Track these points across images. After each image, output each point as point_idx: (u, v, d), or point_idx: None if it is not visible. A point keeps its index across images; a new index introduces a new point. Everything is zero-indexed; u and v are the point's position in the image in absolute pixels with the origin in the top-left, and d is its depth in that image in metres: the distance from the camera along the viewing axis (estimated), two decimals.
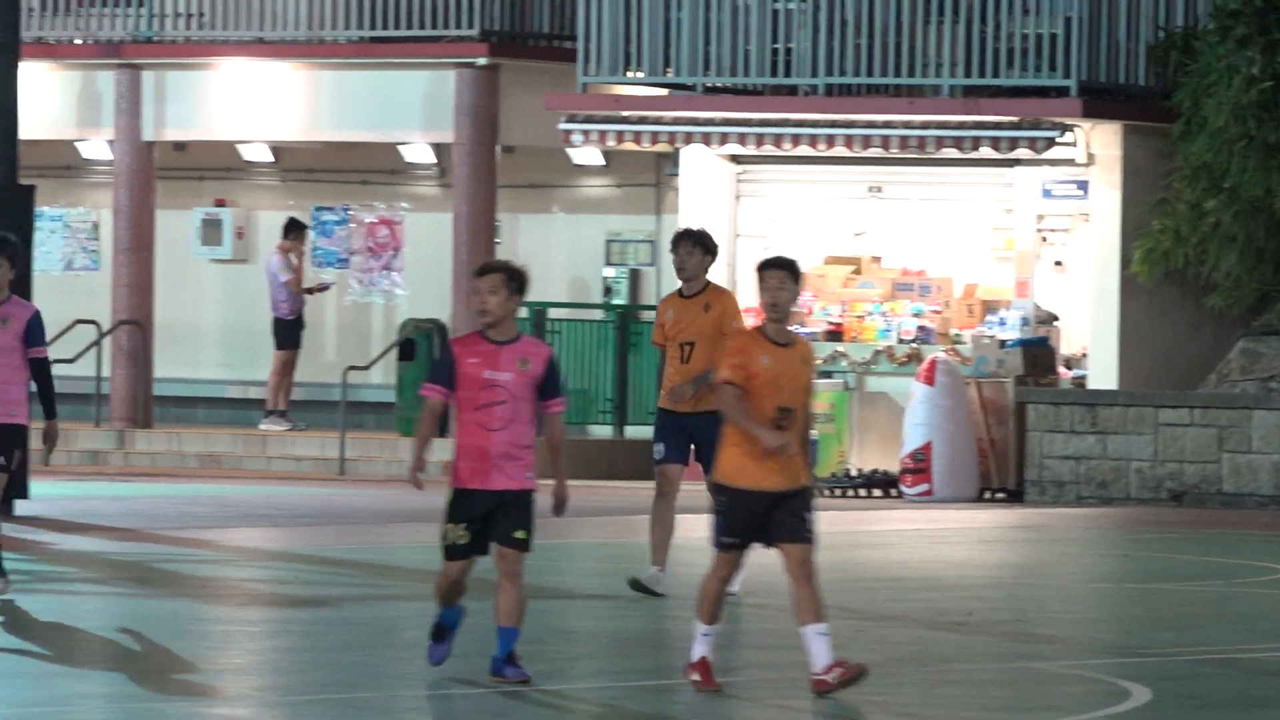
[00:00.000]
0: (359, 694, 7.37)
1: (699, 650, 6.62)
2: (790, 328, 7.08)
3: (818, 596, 6.41)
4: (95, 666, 8.42)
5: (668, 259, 18.24)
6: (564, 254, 23.57)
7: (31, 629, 9.85)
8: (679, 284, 11.07)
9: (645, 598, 10.56)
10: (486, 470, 6.75)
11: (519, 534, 6.69)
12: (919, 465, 18.99)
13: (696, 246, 11.19)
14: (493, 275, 6.72)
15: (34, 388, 10.75)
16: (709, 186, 21.10)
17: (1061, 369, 19.97)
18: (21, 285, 15.82)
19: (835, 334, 20.44)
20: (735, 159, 20.99)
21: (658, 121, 21.13)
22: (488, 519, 6.73)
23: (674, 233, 11.77)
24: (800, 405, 6.61)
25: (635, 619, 10.27)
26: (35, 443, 14.24)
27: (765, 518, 6.38)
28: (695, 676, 6.31)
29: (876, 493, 19.68)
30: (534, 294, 8.95)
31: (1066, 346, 20.39)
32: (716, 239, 21.03)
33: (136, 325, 23.04)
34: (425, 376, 7.37)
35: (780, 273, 6.65)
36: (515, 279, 6.66)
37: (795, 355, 6.49)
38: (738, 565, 6.58)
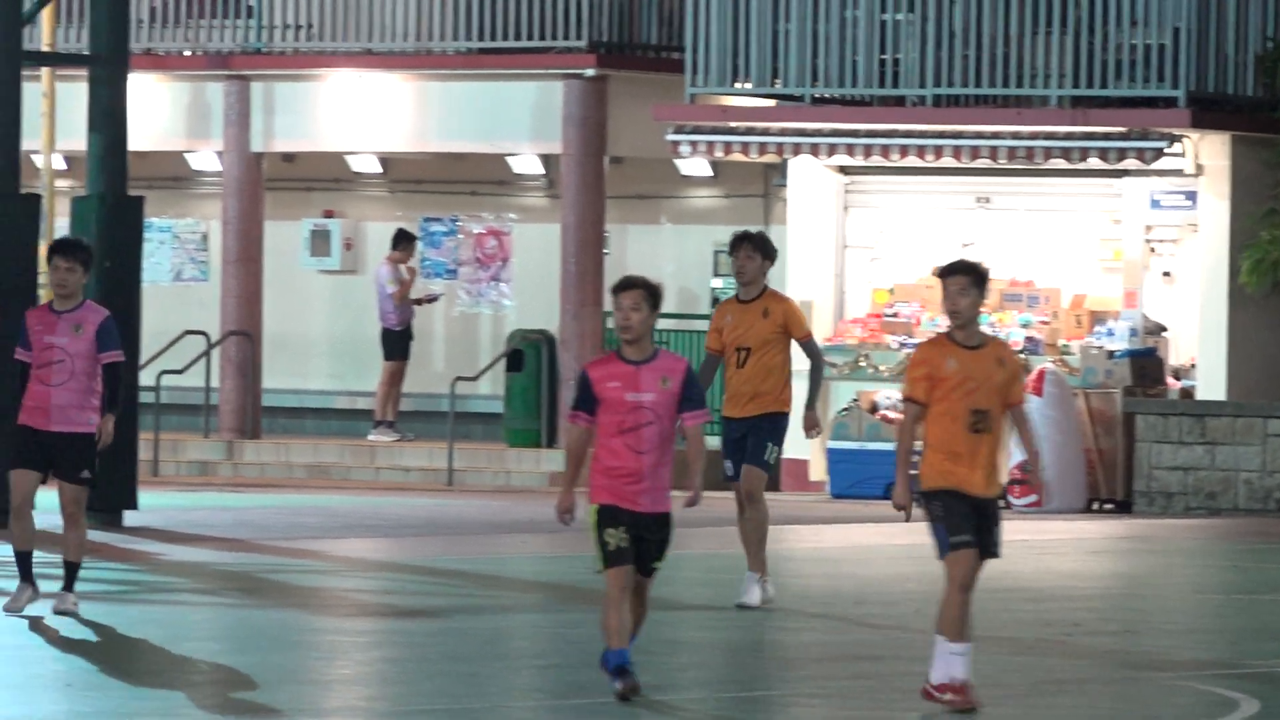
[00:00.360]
0: (466, 704, 8.33)
1: (953, 671, 7.11)
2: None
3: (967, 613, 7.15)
4: (203, 677, 9.73)
5: (776, 268, 20.87)
6: (672, 265, 26.04)
7: (140, 640, 11.35)
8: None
9: (752, 609, 11.88)
10: (635, 493, 7.39)
11: (656, 565, 7.55)
12: (1027, 476, 20.76)
13: (756, 250, 12.38)
14: (634, 291, 7.41)
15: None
16: (817, 197, 23.58)
17: (1170, 379, 21.97)
18: (131, 295, 18.83)
19: None
20: (843, 170, 23.45)
21: (765, 132, 23.70)
22: (636, 541, 7.37)
23: (732, 236, 12.82)
24: (996, 407, 7.22)
25: (740, 629, 11.56)
26: (145, 453, 17.10)
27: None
28: (948, 697, 6.81)
29: None
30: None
31: (1175, 357, 22.41)
32: (824, 250, 23.97)
33: (245, 336, 25.95)
34: (571, 404, 7.89)
35: (960, 278, 7.28)
36: (654, 295, 7.36)
37: (988, 357, 7.13)
38: (976, 567, 7.05)
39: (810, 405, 13.23)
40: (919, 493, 7.14)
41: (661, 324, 25.47)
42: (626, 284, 7.50)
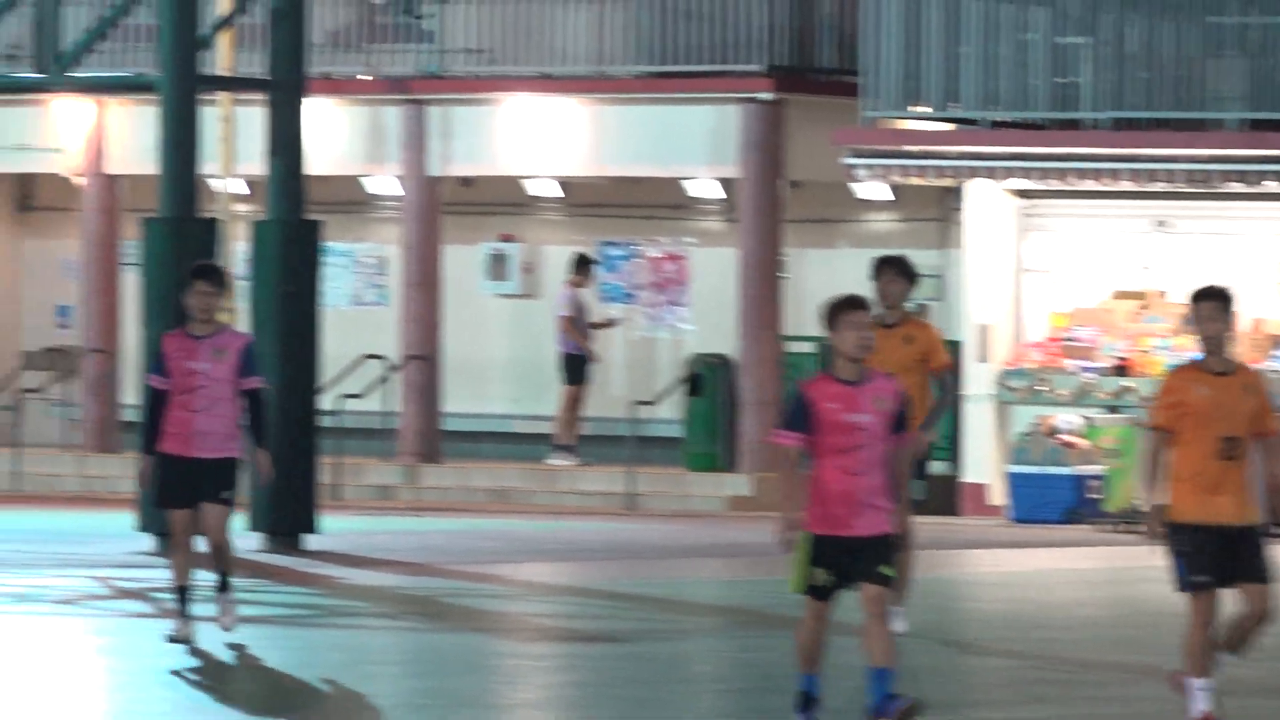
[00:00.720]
0: None
1: (1197, 707, 7.92)
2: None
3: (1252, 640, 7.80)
4: (387, 700, 11.17)
5: (954, 292, 23.89)
6: (851, 289, 29.27)
7: (323, 663, 13.14)
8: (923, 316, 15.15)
9: (924, 633, 13.07)
10: (851, 516, 8.02)
11: (886, 570, 8.11)
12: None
13: (900, 275, 13.59)
14: (1212, 303, 8.11)
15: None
16: (994, 221, 26.81)
17: None
18: (310, 319, 22.77)
19: (1122, 369, 25.52)
20: (1020, 193, 26.59)
21: (942, 156, 26.86)
22: (852, 560, 8.01)
23: (875, 260, 14.02)
24: (1246, 434, 7.79)
25: (921, 654, 12.12)
26: (325, 477, 20.17)
27: (1225, 554, 7.51)
28: None
29: None
30: (821, 329, 12.16)
31: None
32: (1002, 273, 27.68)
33: (425, 360, 29.54)
34: (779, 423, 8.54)
35: (1212, 303, 7.93)
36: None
37: (1236, 383, 7.72)
38: (1214, 609, 7.65)
39: (924, 428, 13.90)
40: (1167, 524, 7.79)
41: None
42: (852, 304, 8.09)
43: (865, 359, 8.11)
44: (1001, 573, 22.42)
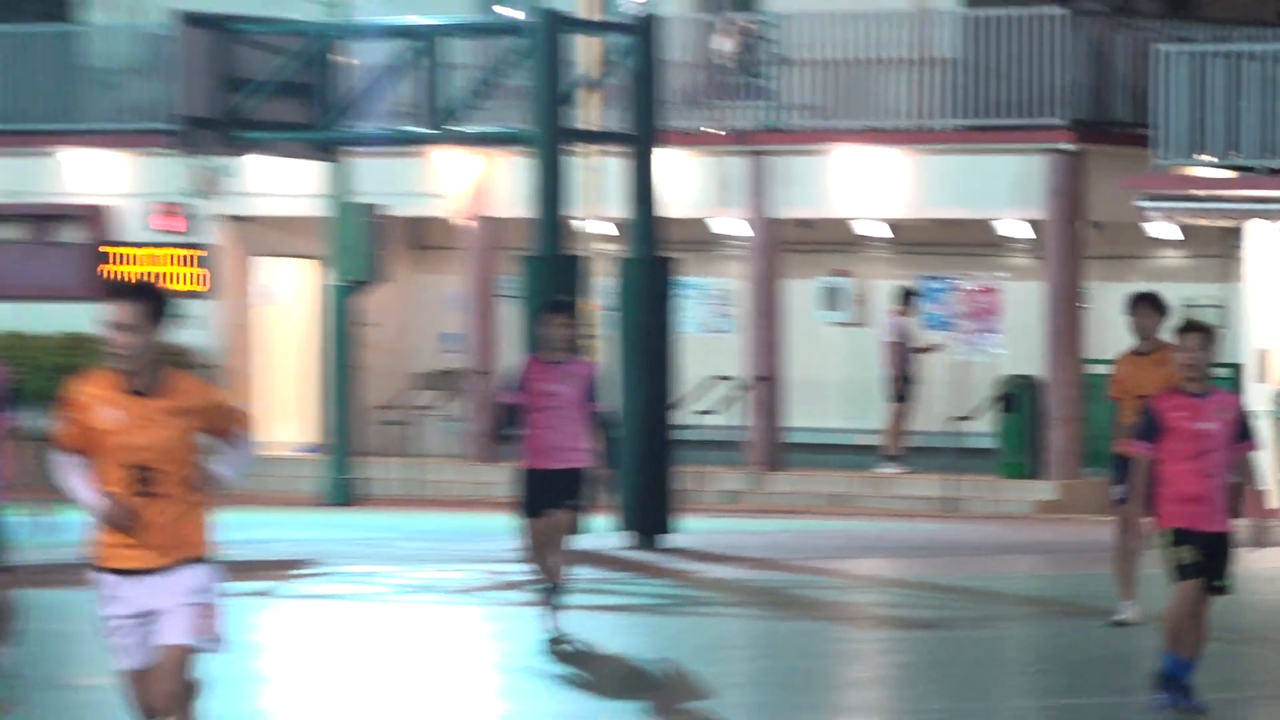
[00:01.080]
0: (966, 705, 12.25)
1: None
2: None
3: None
4: (734, 680, 13.64)
5: (1238, 322, 30.70)
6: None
7: (678, 647, 16.34)
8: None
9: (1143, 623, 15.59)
10: (1206, 514, 9.95)
11: (1222, 584, 10.09)
12: None
13: (1154, 309, 17.31)
14: (1195, 335, 10.46)
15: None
16: (1271, 256, 33.19)
17: None
18: (664, 345, 28.52)
19: None
20: None
21: (1225, 200, 33.18)
22: (1208, 557, 9.95)
23: (1131, 296, 17.92)
24: None
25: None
26: (682, 484, 25.89)
27: None
28: None
29: None
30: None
31: None
32: (1278, 303, 34.71)
33: (769, 380, 36.35)
34: (1131, 434, 11.37)
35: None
36: (1209, 337, 10.47)
37: None
38: None
39: None
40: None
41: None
42: (1188, 326, 10.67)
43: (1193, 375, 10.50)
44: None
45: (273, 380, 42.90)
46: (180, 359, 37.56)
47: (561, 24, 31.21)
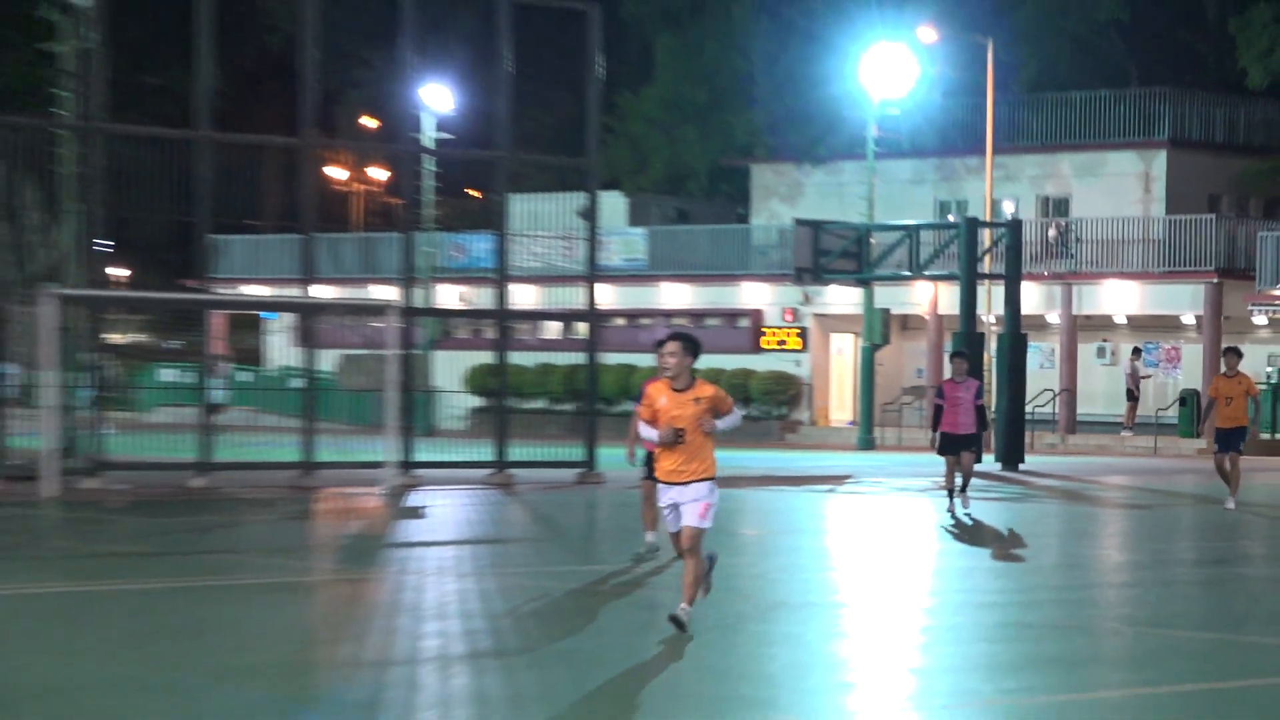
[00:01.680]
0: (1161, 546, 27.06)
1: None
2: None
3: None
4: (1053, 531, 30.05)
5: None
6: None
7: (1025, 520, 31.76)
8: None
9: None
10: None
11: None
12: None
13: (1235, 355, 30.08)
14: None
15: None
16: None
17: None
18: (1018, 374, 52.31)
19: None
20: None
21: None
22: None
23: (1225, 348, 31.82)
24: None
25: None
26: None
27: None
28: None
29: None
30: None
31: None
32: None
33: (1069, 391, 62.52)
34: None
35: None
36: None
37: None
38: None
39: None
40: None
41: None
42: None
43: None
44: None
45: (835, 389, 70.42)
46: (789, 382, 66.84)
47: (975, 224, 53.12)
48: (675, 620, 14.50)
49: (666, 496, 14.77)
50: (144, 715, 11.26)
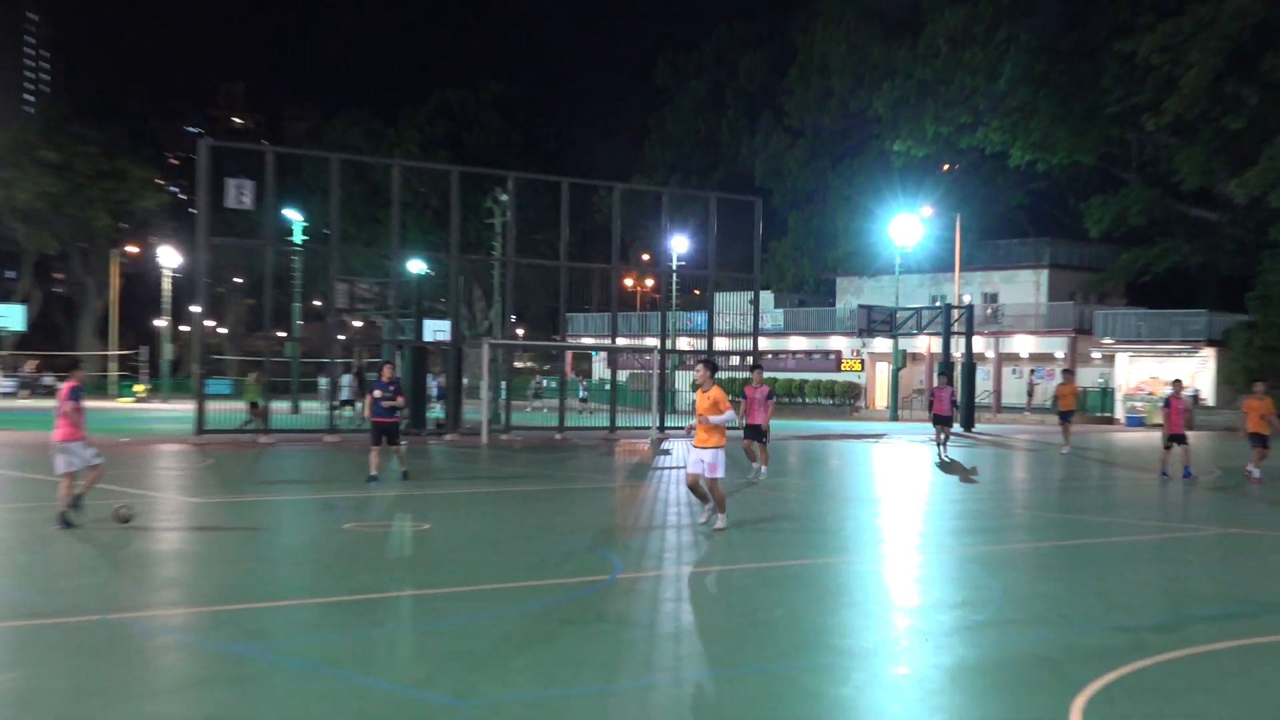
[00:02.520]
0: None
1: None
2: None
3: None
4: None
5: None
6: None
7: None
8: None
9: None
10: None
11: None
12: None
13: None
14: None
15: None
16: None
17: None
18: None
19: None
20: None
21: None
22: None
23: None
24: None
25: None
26: None
27: None
28: None
29: None
30: None
31: None
32: None
33: None
34: None
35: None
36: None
37: None
38: None
39: None
40: None
41: None
42: None
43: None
44: None
45: (877, 391, 73.73)
46: (854, 387, 74.69)
47: (949, 307, 56.40)
48: (717, 529, 17.22)
49: (692, 455, 17.44)
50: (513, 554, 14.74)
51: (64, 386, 17.24)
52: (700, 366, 16.95)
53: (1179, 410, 28.13)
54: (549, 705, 8.66)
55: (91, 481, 17.34)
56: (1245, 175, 58.50)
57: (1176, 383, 29.45)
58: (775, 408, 29.57)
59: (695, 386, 18.20)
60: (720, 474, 17.07)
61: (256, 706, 8.54)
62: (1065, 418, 38.78)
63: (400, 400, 23.99)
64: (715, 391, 16.82)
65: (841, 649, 10.63)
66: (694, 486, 17.30)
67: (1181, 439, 28.09)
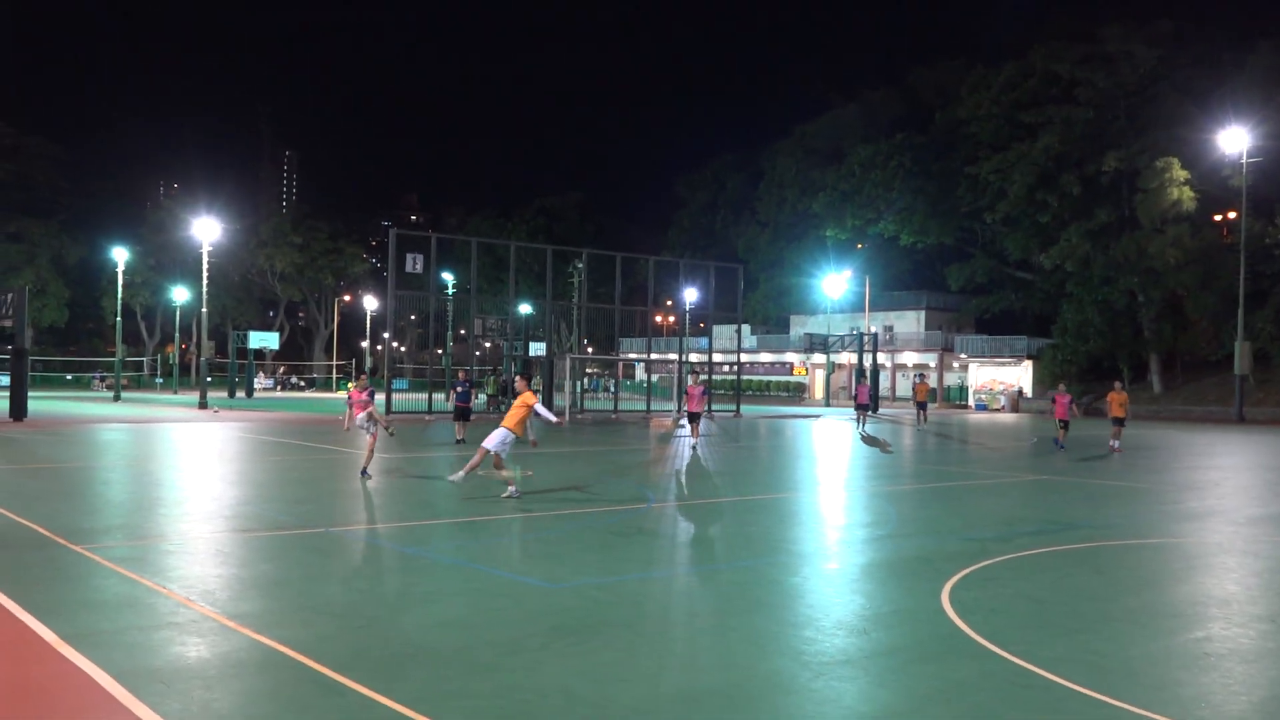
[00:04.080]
0: None
1: None
2: None
3: None
4: None
5: None
6: None
7: None
8: None
9: None
10: None
11: None
12: None
13: None
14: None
15: None
16: None
17: None
18: None
19: None
20: None
21: None
22: None
23: None
24: None
25: None
26: None
27: None
28: None
29: None
30: None
31: None
32: None
33: None
34: None
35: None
36: None
37: None
38: None
39: None
40: None
41: None
42: None
43: None
44: None
45: (818, 388, 73.96)
46: (802, 386, 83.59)
47: (860, 335, 56.48)
48: (452, 481, 14.54)
49: (493, 435, 13.89)
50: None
51: (355, 391, 16.39)
52: (519, 378, 14.39)
53: (1063, 404, 26.13)
54: (608, 588, 8.56)
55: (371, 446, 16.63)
56: (1050, 251, 58.87)
57: (1059, 384, 28.87)
58: (748, 399, 30.26)
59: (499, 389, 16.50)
60: (499, 448, 13.67)
61: (423, 585, 8.55)
62: (922, 406, 39.26)
63: (474, 392, 24.03)
64: (528, 395, 14.15)
65: (794, 552, 10.53)
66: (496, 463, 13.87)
67: (1065, 424, 26.18)
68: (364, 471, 16.47)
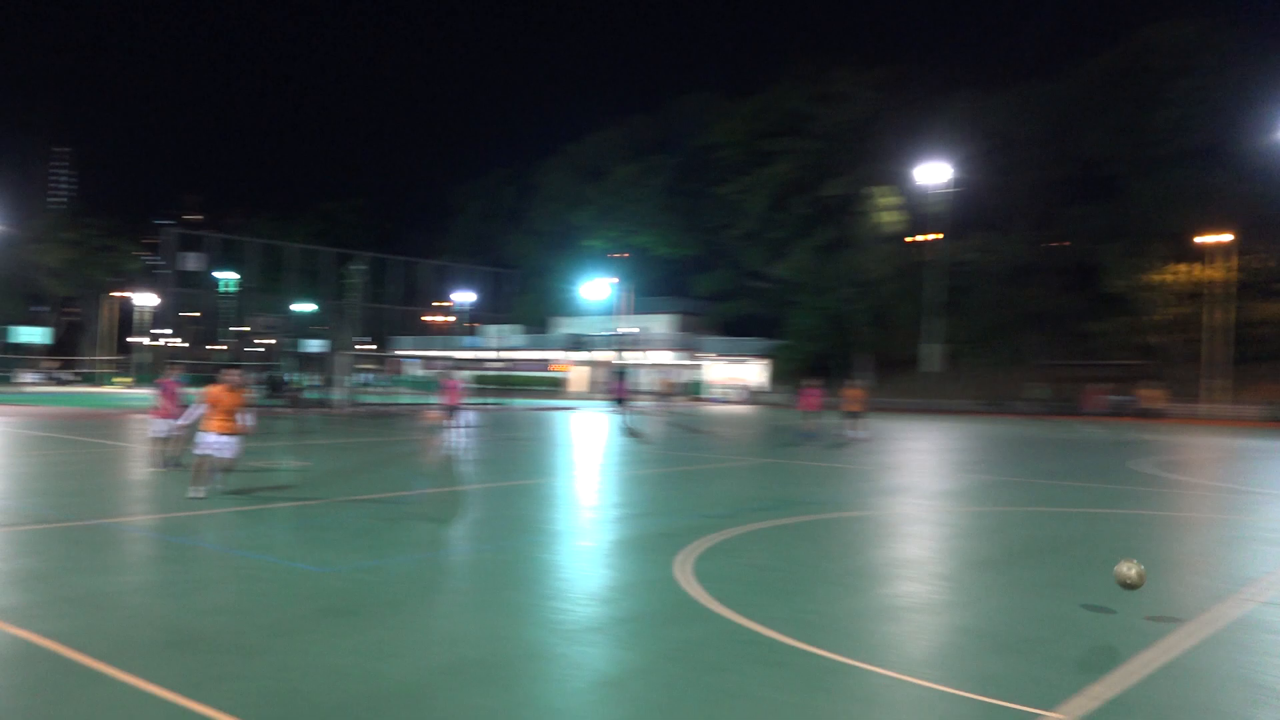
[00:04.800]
0: None
1: None
2: None
3: None
4: None
5: None
6: None
7: None
8: None
9: None
10: None
11: None
12: None
13: None
14: None
15: None
16: None
17: None
18: None
19: None
20: None
21: None
22: None
23: None
24: None
25: None
26: None
27: None
28: None
29: None
30: None
31: None
32: None
33: None
34: None
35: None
36: None
37: None
38: None
39: None
40: None
41: None
42: None
43: None
44: None
45: (576, 383, 76.61)
46: (562, 380, 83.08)
47: (619, 335, 56.86)
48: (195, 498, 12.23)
49: (215, 442, 12.44)
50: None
51: (166, 381, 15.13)
52: (236, 372, 12.55)
53: (812, 397, 25.37)
54: (375, 570, 8.40)
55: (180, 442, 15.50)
56: (782, 264, 62.96)
57: (803, 381, 28.42)
58: (515, 393, 29.09)
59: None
60: (218, 450, 12.26)
61: (191, 574, 8.11)
62: (664, 398, 41.51)
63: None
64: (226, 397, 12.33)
65: (549, 531, 10.55)
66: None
67: (816, 415, 25.51)
68: (176, 462, 15.47)
